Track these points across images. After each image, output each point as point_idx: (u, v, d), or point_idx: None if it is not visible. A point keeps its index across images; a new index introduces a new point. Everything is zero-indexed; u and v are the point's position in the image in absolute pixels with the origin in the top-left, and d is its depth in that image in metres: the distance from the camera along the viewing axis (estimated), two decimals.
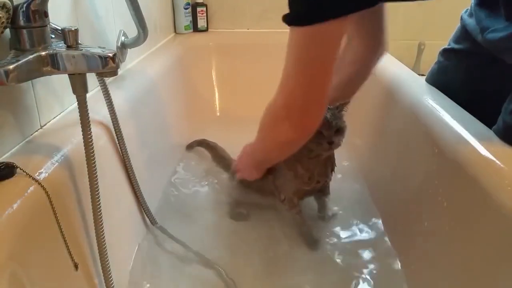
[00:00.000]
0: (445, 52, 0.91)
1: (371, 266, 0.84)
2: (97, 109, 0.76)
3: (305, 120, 0.67)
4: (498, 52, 0.73)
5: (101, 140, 0.74)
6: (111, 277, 0.65)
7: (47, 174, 0.56)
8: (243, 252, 0.88)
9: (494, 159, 0.61)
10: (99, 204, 0.61)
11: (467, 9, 0.85)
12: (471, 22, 0.81)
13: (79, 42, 0.56)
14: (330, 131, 0.79)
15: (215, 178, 1.13)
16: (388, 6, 0.83)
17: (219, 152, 1.17)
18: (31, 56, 0.53)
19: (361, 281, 0.80)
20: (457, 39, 0.88)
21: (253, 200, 0.99)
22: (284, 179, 0.89)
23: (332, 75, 0.62)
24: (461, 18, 0.86)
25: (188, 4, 1.60)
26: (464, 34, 0.85)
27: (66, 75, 0.57)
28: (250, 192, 0.98)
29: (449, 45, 0.90)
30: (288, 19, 0.58)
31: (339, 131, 0.81)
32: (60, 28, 0.60)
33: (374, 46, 0.84)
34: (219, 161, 1.15)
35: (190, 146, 1.27)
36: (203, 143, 1.24)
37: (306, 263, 0.85)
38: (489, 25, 0.74)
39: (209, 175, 1.15)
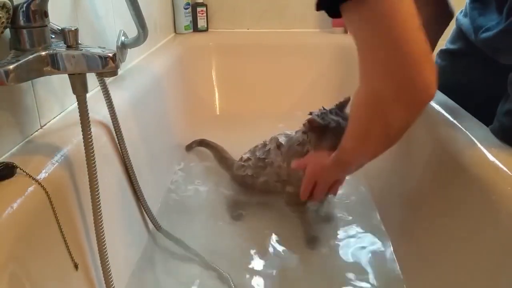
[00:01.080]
0: (442, 53, 0.91)
1: (371, 267, 0.84)
2: (97, 109, 0.76)
3: (419, 90, 0.55)
4: (491, 52, 0.74)
5: (101, 140, 0.74)
6: (111, 277, 0.65)
7: (47, 174, 0.56)
8: (244, 253, 0.88)
9: (493, 159, 0.61)
10: (99, 204, 0.61)
11: (462, 9, 0.85)
12: (465, 21, 0.81)
13: (79, 42, 0.56)
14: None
15: (216, 178, 1.13)
16: None
17: (220, 151, 1.17)
18: (31, 56, 0.53)
19: (360, 282, 0.80)
20: (453, 39, 0.88)
21: (255, 199, 1.00)
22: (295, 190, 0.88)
23: (419, 26, 0.52)
24: (456, 19, 0.87)
25: (188, 4, 1.60)
26: (459, 34, 0.85)
27: (66, 75, 0.57)
28: (253, 191, 0.98)
29: (445, 46, 0.91)
30: (335, 2, 0.51)
31: None
32: (60, 28, 0.60)
33: (439, 9, 0.77)
34: (220, 160, 1.15)
35: (189, 147, 1.27)
36: (203, 143, 1.24)
37: (306, 263, 0.85)
38: (483, 24, 0.74)
39: (210, 175, 1.15)
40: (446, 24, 0.80)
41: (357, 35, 0.53)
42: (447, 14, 0.78)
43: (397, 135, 0.62)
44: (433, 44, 0.81)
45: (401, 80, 0.54)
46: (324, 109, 0.83)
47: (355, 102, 0.60)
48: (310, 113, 0.83)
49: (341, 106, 0.82)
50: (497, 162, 0.60)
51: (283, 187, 0.91)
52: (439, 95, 0.89)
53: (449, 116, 0.77)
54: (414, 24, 0.52)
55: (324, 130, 0.79)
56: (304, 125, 0.85)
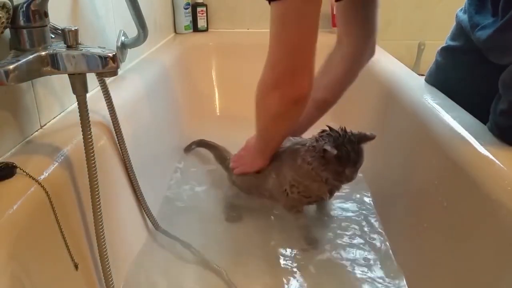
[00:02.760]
0: (442, 51, 0.91)
1: (371, 267, 0.84)
2: (97, 109, 0.76)
3: (294, 87, 0.69)
4: (485, 50, 0.74)
5: (101, 140, 0.74)
6: (111, 277, 0.65)
7: (47, 174, 0.56)
8: (243, 254, 0.88)
9: (493, 158, 0.61)
10: (99, 204, 0.61)
11: (462, 7, 0.85)
12: (464, 19, 0.81)
13: (79, 42, 0.56)
14: (353, 171, 0.79)
15: (216, 179, 1.12)
16: (388, 6, 0.83)
17: (220, 150, 1.16)
18: (31, 56, 0.53)
19: (360, 282, 0.80)
20: (453, 36, 0.88)
21: (252, 201, 0.99)
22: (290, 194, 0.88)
23: (315, 43, 0.67)
24: (456, 16, 0.87)
25: (188, 4, 1.60)
26: (459, 31, 0.85)
27: (66, 75, 0.57)
28: (249, 194, 0.98)
29: (446, 43, 0.91)
30: None
31: (360, 167, 0.80)
32: (60, 28, 0.60)
33: (363, 46, 0.87)
34: (221, 160, 1.14)
35: (188, 149, 1.25)
36: (202, 143, 1.23)
37: (306, 264, 0.85)
38: (479, 22, 0.75)
39: (210, 175, 1.15)
40: (362, 65, 0.90)
41: (270, 26, 0.68)
42: (369, 51, 0.89)
43: (279, 120, 0.77)
44: (346, 84, 0.91)
45: (283, 74, 0.69)
46: (344, 131, 0.80)
47: (257, 86, 0.75)
48: (330, 129, 0.81)
49: (361, 138, 0.80)
50: (496, 161, 0.60)
51: (279, 192, 0.89)
52: (439, 94, 0.89)
53: (448, 115, 0.77)
54: (311, 40, 0.67)
55: (343, 169, 0.78)
56: (316, 139, 0.82)
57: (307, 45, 0.67)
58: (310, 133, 0.88)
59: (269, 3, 0.66)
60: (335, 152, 0.76)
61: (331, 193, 0.87)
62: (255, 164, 0.90)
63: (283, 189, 0.87)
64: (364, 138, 0.80)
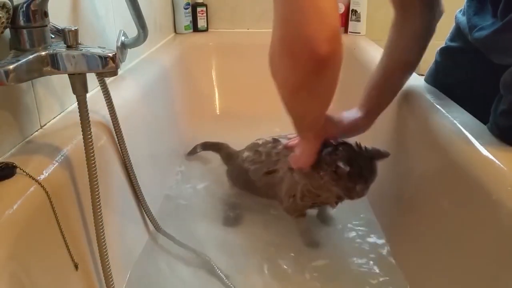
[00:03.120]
0: (442, 51, 0.92)
1: (370, 268, 0.84)
2: (97, 109, 0.76)
3: (307, 47, 0.52)
4: (485, 51, 0.74)
5: (101, 140, 0.74)
6: (111, 277, 0.65)
7: (47, 174, 0.56)
8: (244, 255, 0.87)
9: (493, 158, 0.61)
10: (99, 204, 0.61)
11: (461, 8, 0.86)
12: (463, 20, 0.82)
13: (79, 42, 0.56)
14: (365, 188, 0.77)
15: (216, 179, 1.12)
16: (388, 6, 0.83)
17: (224, 148, 1.14)
18: (31, 56, 0.53)
19: (360, 285, 0.80)
20: (452, 37, 0.89)
21: (251, 203, 0.99)
22: (293, 197, 0.87)
23: None
24: (455, 17, 0.87)
25: (188, 4, 1.60)
26: (458, 32, 0.86)
27: (66, 75, 0.57)
28: (249, 195, 0.98)
29: (445, 44, 0.91)
30: None
31: (371, 183, 0.79)
32: (60, 28, 0.60)
33: (431, 9, 0.80)
34: (226, 157, 1.12)
35: (192, 152, 1.23)
36: (206, 146, 1.22)
37: (306, 266, 0.84)
38: (477, 23, 0.75)
39: (211, 176, 1.14)
40: (439, 17, 0.82)
41: None
42: (438, 12, 0.81)
43: (297, 95, 0.61)
44: (427, 40, 0.83)
45: (292, 32, 0.52)
46: (359, 147, 0.79)
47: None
48: (344, 143, 0.79)
49: (374, 155, 0.79)
50: (496, 161, 0.60)
51: (286, 194, 0.89)
52: (438, 94, 0.89)
53: (448, 115, 0.77)
54: None
55: (354, 185, 0.77)
56: (329, 153, 0.79)
57: None
58: None
59: None
60: (347, 169, 0.75)
61: (337, 203, 0.87)
62: (304, 153, 0.78)
63: (292, 194, 0.87)
64: (378, 155, 0.79)
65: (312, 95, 0.61)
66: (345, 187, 0.78)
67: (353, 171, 0.75)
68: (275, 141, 0.93)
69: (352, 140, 0.82)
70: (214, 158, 1.18)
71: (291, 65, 0.55)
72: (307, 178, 0.83)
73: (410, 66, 0.86)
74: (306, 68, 0.54)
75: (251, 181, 0.95)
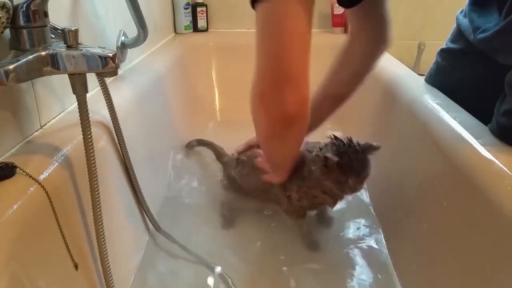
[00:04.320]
0: (442, 52, 0.92)
1: (370, 269, 0.84)
2: (97, 109, 0.76)
3: (279, 104, 0.59)
4: (489, 51, 0.74)
5: (101, 140, 0.74)
6: (111, 277, 0.65)
7: (47, 174, 0.56)
8: (243, 256, 0.87)
9: (493, 159, 0.61)
10: (99, 204, 0.61)
11: (463, 9, 0.86)
12: (464, 22, 0.82)
13: (79, 42, 0.56)
14: (357, 182, 0.77)
15: (216, 180, 1.12)
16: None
17: (217, 149, 1.15)
18: (31, 56, 0.53)
19: (360, 286, 0.80)
20: (453, 39, 0.89)
21: (251, 205, 0.99)
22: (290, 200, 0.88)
23: (307, 51, 0.58)
24: (456, 18, 0.87)
25: (188, 4, 1.60)
26: (459, 34, 0.86)
27: (66, 75, 0.57)
28: (245, 197, 0.98)
29: (446, 45, 0.91)
30: (251, 1, 0.59)
31: (365, 178, 0.79)
32: (60, 28, 0.60)
33: (381, 40, 0.84)
34: (219, 159, 1.13)
35: (189, 145, 1.25)
36: (200, 142, 1.23)
37: (305, 267, 0.84)
38: (480, 25, 0.75)
39: (211, 177, 1.14)
40: (378, 56, 0.87)
41: (256, 29, 0.59)
42: (384, 46, 0.86)
43: (269, 142, 0.71)
44: (363, 76, 0.88)
45: (268, 88, 0.60)
46: (350, 141, 0.79)
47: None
48: (334, 138, 0.80)
49: (365, 148, 0.79)
50: (496, 161, 0.60)
51: (283, 196, 0.89)
52: (439, 94, 0.89)
53: (448, 115, 0.77)
54: (300, 46, 0.57)
55: (346, 179, 0.77)
56: (320, 148, 0.81)
57: (294, 52, 0.57)
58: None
59: (253, 7, 0.59)
60: (335, 159, 0.75)
61: (335, 202, 0.87)
62: (273, 178, 0.86)
63: (287, 194, 0.87)
64: (369, 148, 0.79)
65: (282, 144, 0.70)
66: (336, 181, 0.78)
67: (343, 163, 0.76)
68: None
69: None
70: (213, 158, 1.18)
71: (265, 119, 0.63)
72: (300, 179, 0.83)
73: (340, 98, 0.89)
74: (276, 124, 0.63)
75: (249, 185, 0.95)
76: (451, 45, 0.89)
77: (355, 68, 0.86)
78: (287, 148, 0.73)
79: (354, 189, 0.78)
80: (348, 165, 0.76)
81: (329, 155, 0.76)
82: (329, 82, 0.89)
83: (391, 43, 0.86)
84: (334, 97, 0.89)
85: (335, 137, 0.81)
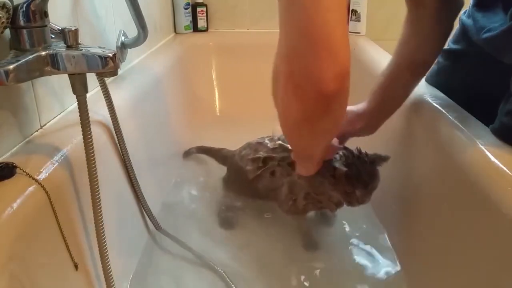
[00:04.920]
0: (444, 53, 0.91)
1: (370, 270, 0.84)
2: (97, 109, 0.76)
3: (314, 80, 0.49)
4: (495, 51, 0.73)
5: (101, 140, 0.74)
6: (111, 277, 0.65)
7: (47, 174, 0.56)
8: (243, 258, 0.87)
9: (494, 159, 0.61)
10: (99, 204, 0.61)
11: (466, 10, 0.85)
12: (468, 22, 0.81)
13: (79, 42, 0.56)
14: (365, 194, 0.76)
15: (216, 180, 1.12)
16: (388, 6, 0.83)
17: (218, 153, 1.14)
18: (31, 56, 0.53)
19: (360, 284, 0.80)
20: (456, 39, 0.88)
21: (250, 205, 0.98)
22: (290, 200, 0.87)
23: (344, 16, 0.49)
24: (460, 19, 0.87)
25: (188, 4, 1.60)
26: (462, 34, 0.85)
27: (66, 75, 0.57)
28: (245, 198, 0.97)
29: (448, 45, 0.90)
30: None
31: (373, 190, 0.77)
32: (60, 28, 0.60)
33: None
34: (223, 161, 1.11)
35: (187, 154, 1.23)
36: (200, 150, 1.22)
37: (305, 268, 0.84)
38: (485, 25, 0.74)
39: (211, 177, 1.14)
40: (455, 15, 0.79)
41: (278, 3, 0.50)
42: (457, 4, 0.78)
43: (298, 127, 0.58)
44: (444, 37, 0.81)
45: (299, 63, 0.50)
46: (359, 152, 0.78)
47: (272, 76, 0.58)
48: (344, 148, 0.79)
49: (374, 160, 0.78)
50: (497, 162, 0.60)
51: (287, 198, 0.88)
52: (440, 94, 0.89)
53: (449, 116, 0.77)
54: (336, 11, 0.48)
55: (353, 190, 0.76)
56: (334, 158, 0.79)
57: (328, 19, 0.48)
58: None
59: None
60: (344, 169, 0.74)
61: (337, 209, 0.86)
62: (302, 171, 0.79)
63: (293, 197, 0.86)
64: (378, 159, 0.78)
65: (315, 131, 0.59)
66: (344, 192, 0.77)
67: (351, 174, 0.75)
68: (272, 140, 0.93)
69: (353, 146, 0.81)
70: (212, 159, 1.18)
71: (296, 100, 0.53)
72: (308, 184, 0.83)
73: (422, 68, 0.82)
74: (311, 105, 0.52)
75: (248, 183, 0.94)
76: (453, 46, 0.89)
77: (431, 30, 0.77)
78: (321, 135, 0.62)
79: (362, 201, 0.77)
80: (356, 176, 0.75)
81: (337, 165, 0.75)
82: (403, 49, 0.80)
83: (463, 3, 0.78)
84: (413, 67, 0.79)
85: (345, 148, 0.80)
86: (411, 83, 0.83)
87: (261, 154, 0.91)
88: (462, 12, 0.87)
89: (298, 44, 0.49)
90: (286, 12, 0.50)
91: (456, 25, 0.89)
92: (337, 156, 0.78)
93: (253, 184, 0.93)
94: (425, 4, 0.75)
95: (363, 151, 0.79)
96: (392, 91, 0.82)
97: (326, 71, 0.49)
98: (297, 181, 0.85)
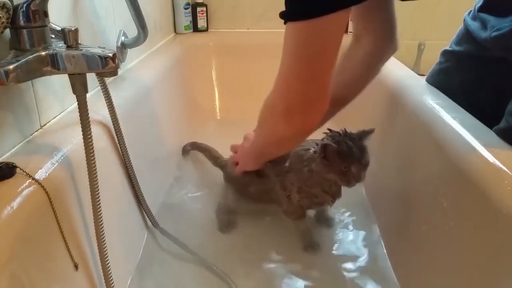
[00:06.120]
0: (446, 54, 0.91)
1: (370, 270, 0.84)
2: (97, 109, 0.76)
3: (305, 118, 0.64)
4: (503, 50, 0.73)
5: (101, 140, 0.74)
6: (111, 277, 0.65)
7: (47, 174, 0.56)
8: (242, 258, 0.87)
9: (494, 159, 0.61)
10: (99, 204, 0.61)
11: (470, 11, 0.85)
12: (474, 24, 0.81)
13: (79, 42, 0.56)
14: (360, 169, 0.76)
15: (216, 180, 1.12)
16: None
17: (211, 152, 1.15)
18: (31, 56, 0.53)
19: (360, 285, 0.80)
20: (459, 41, 0.88)
21: (249, 207, 0.98)
22: (290, 199, 0.87)
23: (334, 71, 0.60)
24: (464, 20, 0.86)
25: (188, 4, 1.60)
26: (466, 36, 0.85)
27: (66, 75, 0.57)
28: (245, 199, 0.97)
29: (450, 47, 0.90)
30: (286, 16, 0.57)
31: (366, 165, 0.78)
32: (60, 28, 0.60)
33: (387, 44, 0.82)
34: (214, 161, 1.13)
35: (184, 151, 1.24)
36: (194, 146, 1.22)
37: (305, 269, 0.84)
38: (495, 25, 0.74)
39: (211, 177, 1.14)
40: (386, 59, 0.85)
41: (286, 46, 0.59)
42: (391, 49, 0.84)
43: (284, 143, 0.75)
44: (368, 80, 0.86)
45: (297, 104, 0.62)
46: (345, 131, 0.80)
47: (264, 101, 0.71)
48: (329, 130, 0.81)
49: (361, 135, 0.80)
50: (497, 162, 0.60)
51: (283, 196, 0.88)
52: (441, 95, 0.89)
53: (449, 116, 0.77)
54: (332, 67, 0.59)
55: (349, 168, 0.77)
56: (317, 144, 0.81)
57: (326, 74, 0.60)
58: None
59: (286, 21, 0.58)
60: (335, 146, 0.75)
61: (333, 201, 0.86)
62: (248, 166, 0.90)
63: (287, 194, 0.87)
64: (364, 133, 0.79)
65: (288, 147, 0.79)
66: (339, 171, 0.77)
67: (343, 150, 0.75)
68: None
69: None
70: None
71: (287, 129, 0.67)
72: (300, 178, 0.83)
73: (339, 102, 0.85)
74: (299, 133, 0.68)
75: (245, 190, 0.94)
76: (455, 47, 0.88)
77: (358, 70, 0.84)
78: (288, 148, 0.81)
79: (358, 177, 0.77)
80: (348, 152, 0.76)
81: (328, 142, 0.76)
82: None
83: (398, 46, 0.83)
84: (335, 100, 0.87)
85: (330, 130, 0.81)
86: (331, 113, 0.86)
87: None
88: (466, 13, 0.86)
89: (300, 88, 0.61)
90: (290, 57, 0.60)
91: (459, 27, 0.89)
92: (325, 139, 0.79)
93: (248, 189, 0.93)
94: (363, 43, 0.83)
95: (347, 130, 0.80)
96: None
97: (316, 116, 0.63)
98: (287, 176, 0.86)
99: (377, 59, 0.84)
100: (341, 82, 0.84)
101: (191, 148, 1.24)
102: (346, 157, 0.76)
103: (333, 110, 0.87)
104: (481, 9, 0.80)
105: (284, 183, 0.86)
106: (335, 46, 0.58)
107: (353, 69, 0.84)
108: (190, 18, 1.64)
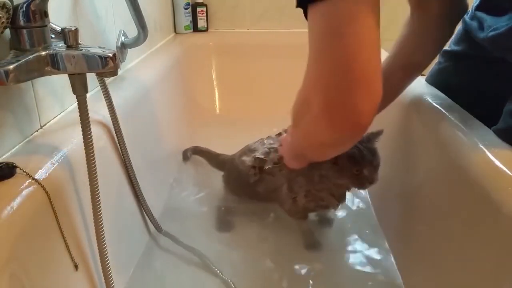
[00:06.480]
0: (445, 54, 0.91)
1: (369, 271, 0.84)
2: (97, 109, 0.76)
3: (351, 114, 0.51)
4: (501, 50, 0.73)
5: (101, 140, 0.74)
6: (111, 277, 0.65)
7: (47, 174, 0.56)
8: (244, 259, 0.87)
9: (494, 159, 0.61)
10: (99, 204, 0.61)
11: (469, 11, 0.85)
12: (472, 23, 0.81)
13: (79, 42, 0.56)
14: (372, 171, 0.75)
15: (216, 180, 1.12)
16: (388, 6, 0.83)
17: (213, 156, 1.14)
18: (31, 56, 0.53)
19: (361, 285, 0.80)
20: (458, 40, 0.88)
21: (249, 206, 0.98)
22: (295, 200, 0.87)
23: (378, 42, 0.50)
24: (463, 20, 0.86)
25: (188, 4, 1.60)
26: (464, 36, 0.85)
27: (66, 75, 0.57)
28: (245, 199, 0.97)
29: (449, 47, 0.90)
30: (299, 2, 0.52)
31: (378, 167, 0.77)
32: (60, 28, 0.60)
33: (456, 4, 0.77)
34: (218, 165, 1.12)
35: (185, 156, 1.23)
36: (196, 150, 1.22)
37: (306, 267, 0.84)
38: (493, 24, 0.74)
39: (211, 177, 1.14)
40: (458, 19, 0.80)
41: (310, 37, 0.52)
42: (461, 8, 0.78)
43: (327, 149, 0.63)
44: (443, 41, 0.81)
45: (337, 99, 0.51)
46: None
47: (296, 99, 0.62)
48: None
49: (369, 137, 0.78)
50: (497, 162, 0.60)
51: (287, 197, 0.88)
52: (440, 95, 0.89)
53: (449, 116, 0.77)
54: (372, 48, 0.49)
55: (361, 170, 0.76)
56: None
57: (367, 56, 0.49)
58: None
59: (304, 9, 0.52)
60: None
61: (339, 205, 0.86)
62: (291, 164, 0.84)
63: (293, 196, 0.86)
64: (372, 135, 0.78)
65: (336, 151, 0.65)
66: (352, 175, 0.76)
67: (354, 154, 0.74)
68: (269, 138, 0.93)
69: None
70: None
71: (328, 129, 0.54)
72: (307, 181, 0.83)
73: (416, 69, 0.82)
74: (345, 134, 0.54)
75: (249, 185, 0.94)
76: (454, 47, 0.89)
77: (430, 33, 0.77)
78: (335, 153, 0.68)
79: (371, 179, 0.76)
80: (360, 155, 0.75)
81: None
82: (398, 49, 0.81)
83: (467, 5, 0.78)
84: (407, 68, 0.81)
85: None
86: (402, 83, 0.84)
87: (260, 155, 0.91)
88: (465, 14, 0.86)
89: (338, 79, 0.50)
90: (324, 47, 0.51)
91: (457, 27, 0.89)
92: None
93: (255, 187, 0.93)
94: (429, 7, 0.75)
95: None
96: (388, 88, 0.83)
97: (365, 105, 0.50)
98: (297, 179, 0.85)
99: (449, 19, 0.77)
100: (409, 48, 0.78)
101: (192, 153, 1.23)
102: (358, 161, 0.75)
103: (406, 78, 0.83)
104: (478, 8, 0.80)
105: (292, 185, 0.86)
106: (366, 25, 0.49)
107: (425, 32, 0.77)
108: (190, 18, 1.64)
